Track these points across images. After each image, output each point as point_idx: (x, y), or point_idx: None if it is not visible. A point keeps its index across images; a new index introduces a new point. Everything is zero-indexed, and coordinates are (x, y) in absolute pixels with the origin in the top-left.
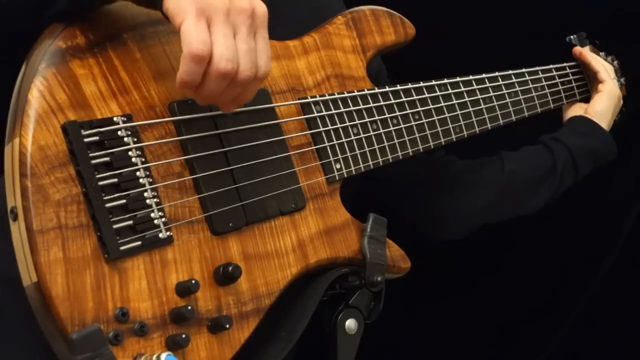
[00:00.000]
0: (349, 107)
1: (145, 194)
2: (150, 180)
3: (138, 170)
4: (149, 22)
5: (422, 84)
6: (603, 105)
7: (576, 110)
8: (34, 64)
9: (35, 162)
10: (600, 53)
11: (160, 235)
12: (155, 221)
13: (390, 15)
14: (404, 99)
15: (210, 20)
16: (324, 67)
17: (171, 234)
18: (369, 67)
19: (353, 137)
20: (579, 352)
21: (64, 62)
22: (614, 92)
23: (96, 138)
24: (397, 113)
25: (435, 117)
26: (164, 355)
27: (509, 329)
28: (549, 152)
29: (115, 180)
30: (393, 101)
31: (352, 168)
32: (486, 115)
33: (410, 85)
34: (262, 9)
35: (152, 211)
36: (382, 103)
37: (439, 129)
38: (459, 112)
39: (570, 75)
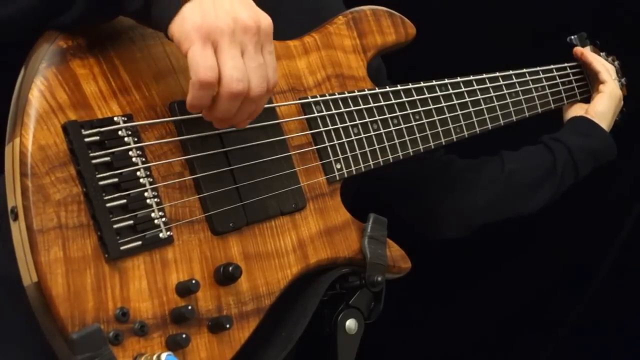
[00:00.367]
0: (350, 107)
1: (146, 194)
2: (151, 180)
3: (138, 170)
4: None
5: (422, 84)
6: (604, 106)
7: (577, 110)
8: (35, 64)
9: (35, 161)
10: (601, 53)
11: (161, 235)
12: (156, 221)
13: (390, 15)
14: (404, 99)
15: (216, 44)
16: (325, 67)
17: (171, 233)
18: (369, 66)
19: (353, 137)
20: (579, 351)
21: (65, 62)
22: (615, 93)
23: (97, 138)
24: (398, 113)
25: (436, 117)
26: (164, 355)
27: (509, 328)
28: (549, 152)
29: (116, 180)
30: (393, 101)
31: (353, 168)
32: (487, 116)
33: (410, 85)
34: (266, 22)
35: (153, 211)
36: (382, 103)
37: (440, 129)
38: (459, 112)
39: (571, 75)
